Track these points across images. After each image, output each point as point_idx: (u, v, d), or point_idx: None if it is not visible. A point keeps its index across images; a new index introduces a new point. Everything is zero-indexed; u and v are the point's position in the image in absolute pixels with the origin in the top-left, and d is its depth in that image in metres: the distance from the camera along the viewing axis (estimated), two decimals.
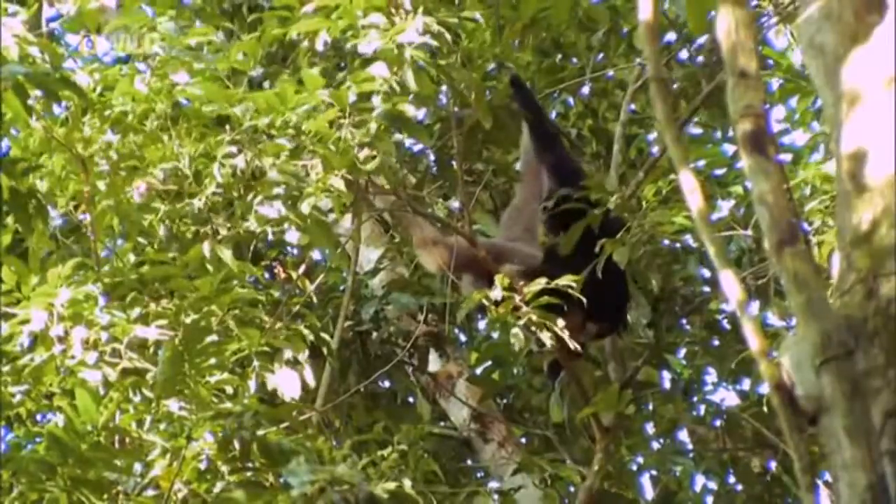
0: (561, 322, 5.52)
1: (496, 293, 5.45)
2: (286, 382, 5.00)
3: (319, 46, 5.16)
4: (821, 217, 5.95)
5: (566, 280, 5.46)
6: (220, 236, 4.98)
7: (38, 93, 4.72)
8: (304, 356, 5.09)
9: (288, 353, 5.06)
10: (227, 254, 4.92)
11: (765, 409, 6.62)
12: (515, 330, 5.60)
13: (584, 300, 5.54)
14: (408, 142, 6.32)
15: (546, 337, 5.52)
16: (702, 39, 6.83)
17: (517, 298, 5.47)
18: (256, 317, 4.92)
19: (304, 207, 4.92)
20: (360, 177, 5.10)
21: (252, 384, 4.93)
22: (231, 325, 4.81)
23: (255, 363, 4.95)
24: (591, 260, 5.64)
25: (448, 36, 5.11)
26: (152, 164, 4.97)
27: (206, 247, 4.92)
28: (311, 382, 5.18)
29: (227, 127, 4.98)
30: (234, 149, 4.94)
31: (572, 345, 5.59)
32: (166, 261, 4.86)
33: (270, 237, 5.14)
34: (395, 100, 5.00)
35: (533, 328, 5.51)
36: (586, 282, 5.55)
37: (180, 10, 6.04)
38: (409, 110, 5.04)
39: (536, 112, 6.10)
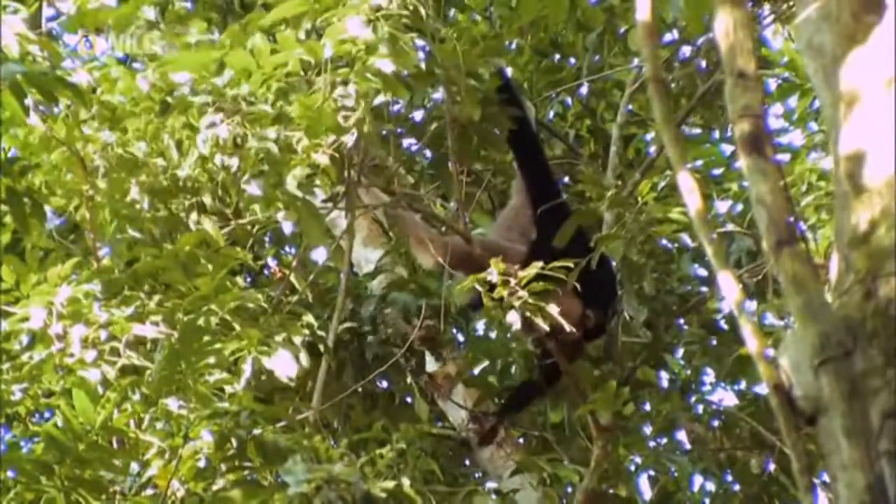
0: (555, 308, 5.53)
1: (492, 275, 5.45)
2: (281, 364, 4.95)
3: (302, 35, 5.15)
4: (815, 214, 5.96)
5: (563, 267, 5.47)
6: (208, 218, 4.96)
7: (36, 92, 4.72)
8: (299, 340, 5.07)
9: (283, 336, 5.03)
10: (210, 225, 4.89)
11: (762, 408, 6.63)
12: (512, 316, 5.60)
13: (584, 289, 5.59)
14: (406, 142, 6.32)
15: (542, 324, 5.52)
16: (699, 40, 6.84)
17: (513, 282, 5.47)
18: (255, 306, 4.90)
19: (290, 182, 4.89)
20: (342, 135, 5.05)
21: (247, 369, 4.89)
22: (231, 321, 4.80)
23: (253, 352, 4.92)
24: (580, 255, 5.68)
25: (422, 11, 5.08)
26: (143, 159, 4.96)
27: (192, 218, 4.90)
28: (307, 364, 5.15)
29: (210, 99, 4.94)
30: (216, 118, 4.91)
31: (568, 327, 5.59)
32: (158, 253, 4.84)
33: (259, 215, 5.11)
34: (371, 57, 4.96)
35: (528, 313, 5.51)
36: (583, 273, 5.58)
37: (170, 9, 6.02)
38: (385, 66, 4.98)
39: (519, 114, 5.96)
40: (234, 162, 4.88)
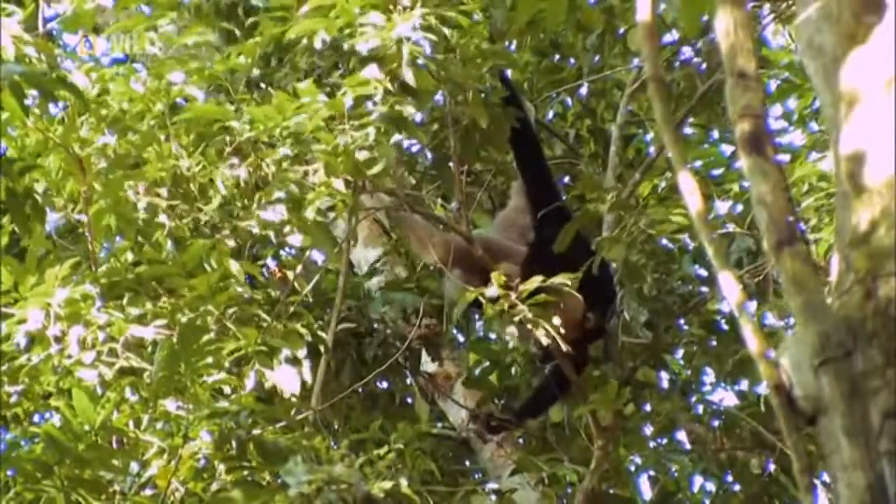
0: (557, 320, 5.54)
1: (492, 291, 5.46)
2: (286, 379, 4.99)
3: (317, 45, 5.16)
4: (816, 215, 5.96)
5: (564, 277, 5.48)
6: (224, 244, 4.99)
7: (34, 93, 4.71)
8: (302, 353, 5.09)
9: (287, 352, 5.06)
10: (234, 265, 4.93)
11: (762, 409, 6.63)
12: (511, 328, 5.61)
13: (583, 291, 5.60)
14: (406, 142, 6.32)
15: (542, 334, 5.53)
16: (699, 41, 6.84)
17: (513, 296, 5.48)
18: (255, 314, 4.92)
19: (309, 213, 4.93)
20: (361, 179, 5.10)
21: (251, 382, 4.92)
22: (228, 324, 4.81)
23: (254, 361, 4.94)
24: (579, 257, 5.69)
25: (446, 31, 5.10)
26: (150, 164, 4.97)
27: (212, 264, 4.94)
28: (310, 380, 5.19)
29: (227, 138, 4.99)
30: (235, 160, 4.95)
31: (564, 347, 5.61)
32: (163, 260, 4.85)
33: (273, 240, 5.15)
34: (393, 100, 5.00)
35: (529, 325, 5.52)
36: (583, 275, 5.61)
37: (179, 13, 6.02)
38: (407, 111, 5.03)
39: (521, 115, 5.97)
40: (254, 202, 4.92)
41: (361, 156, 4.97)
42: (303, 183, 4.93)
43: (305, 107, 4.94)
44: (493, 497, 6.54)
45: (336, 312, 5.84)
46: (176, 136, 4.96)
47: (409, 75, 5.01)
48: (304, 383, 5.12)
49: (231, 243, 4.98)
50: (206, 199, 4.95)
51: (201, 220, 4.96)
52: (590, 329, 6.09)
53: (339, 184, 4.95)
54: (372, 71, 5.00)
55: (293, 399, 5.07)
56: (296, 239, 5.07)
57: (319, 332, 5.56)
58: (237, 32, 6.11)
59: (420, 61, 5.04)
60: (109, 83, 5.03)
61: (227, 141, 4.98)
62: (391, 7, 5.13)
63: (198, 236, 5.00)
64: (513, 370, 7.04)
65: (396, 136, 5.15)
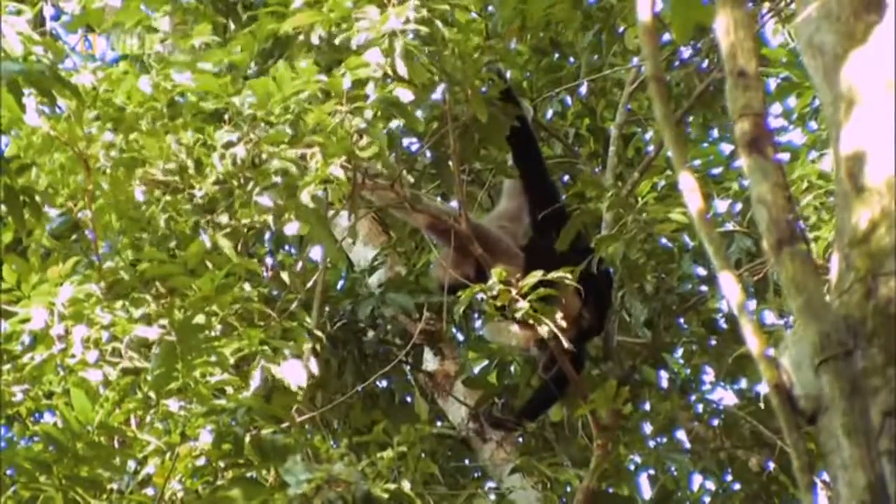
0: (559, 315, 5.55)
1: (493, 287, 5.46)
2: (292, 372, 4.98)
3: (314, 40, 5.15)
4: (815, 213, 5.96)
5: (562, 273, 5.49)
6: (221, 230, 4.97)
7: (35, 91, 4.71)
8: (307, 348, 5.10)
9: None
10: (226, 244, 4.91)
11: (762, 407, 6.63)
12: (504, 326, 5.62)
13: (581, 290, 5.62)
14: (405, 141, 6.32)
15: (544, 332, 5.54)
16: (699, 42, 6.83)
17: (513, 292, 5.48)
18: (258, 311, 4.91)
19: (304, 197, 4.91)
20: (358, 162, 5.09)
21: (256, 378, 4.91)
22: (234, 324, 4.81)
23: (260, 358, 4.93)
24: (577, 256, 5.71)
25: (440, 25, 5.10)
26: (150, 162, 4.97)
27: (206, 239, 4.92)
28: (316, 371, 5.20)
29: (226, 116, 4.97)
30: (233, 137, 4.93)
31: (566, 343, 5.61)
32: (165, 259, 4.85)
33: (272, 231, 5.13)
34: (390, 86, 5.00)
35: (530, 321, 5.53)
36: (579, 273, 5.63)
37: (175, 7, 6.02)
38: (404, 96, 5.02)
39: (518, 112, 5.99)
40: (250, 180, 4.91)
41: (358, 141, 4.97)
42: (298, 163, 4.90)
43: (305, 84, 4.93)
44: (493, 496, 6.54)
45: (317, 303, 5.83)
46: (174, 131, 4.95)
47: (401, 67, 5.00)
48: (311, 375, 5.12)
49: (224, 219, 4.97)
50: (203, 176, 4.94)
51: (196, 196, 4.95)
52: (585, 327, 6.09)
53: (336, 170, 4.94)
54: (373, 55, 5.00)
55: (299, 393, 5.06)
56: (292, 227, 5.05)
57: (317, 331, 5.56)
58: (236, 29, 6.11)
59: (414, 54, 5.03)
60: (115, 82, 5.03)
61: (225, 118, 4.97)
62: (385, 1, 5.13)
63: (193, 213, 4.99)
64: (513, 369, 7.05)
65: (393, 123, 5.14)
